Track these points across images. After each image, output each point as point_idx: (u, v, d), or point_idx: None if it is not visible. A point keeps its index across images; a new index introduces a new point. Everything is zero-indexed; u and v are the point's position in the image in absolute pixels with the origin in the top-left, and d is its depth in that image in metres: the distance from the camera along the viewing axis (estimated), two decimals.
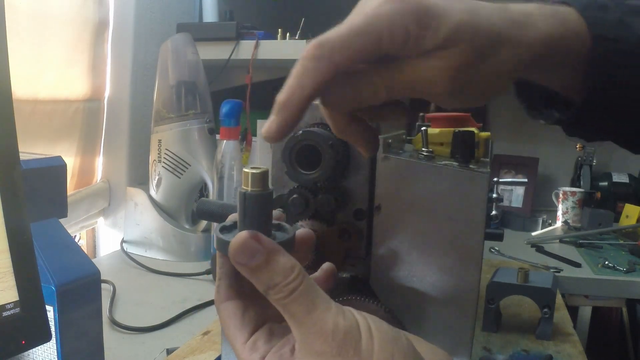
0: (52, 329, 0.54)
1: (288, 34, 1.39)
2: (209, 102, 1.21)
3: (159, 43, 1.21)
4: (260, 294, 0.29)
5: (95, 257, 1.33)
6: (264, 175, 0.30)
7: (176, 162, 1.18)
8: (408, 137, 0.57)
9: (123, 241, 1.24)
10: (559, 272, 1.21)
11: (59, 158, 0.68)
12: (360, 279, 0.50)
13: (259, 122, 1.32)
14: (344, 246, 0.50)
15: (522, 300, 0.86)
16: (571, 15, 0.35)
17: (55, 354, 0.55)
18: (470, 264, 0.45)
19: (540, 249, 1.38)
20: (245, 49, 1.38)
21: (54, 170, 0.68)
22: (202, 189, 1.26)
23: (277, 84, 0.32)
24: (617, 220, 1.61)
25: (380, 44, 0.30)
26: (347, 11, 0.32)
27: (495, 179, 0.91)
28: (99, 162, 1.31)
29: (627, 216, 1.59)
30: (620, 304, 1.36)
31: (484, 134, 0.56)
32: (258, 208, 0.30)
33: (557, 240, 1.47)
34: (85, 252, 0.65)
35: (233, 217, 0.33)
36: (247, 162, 1.15)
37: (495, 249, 1.34)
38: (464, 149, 0.48)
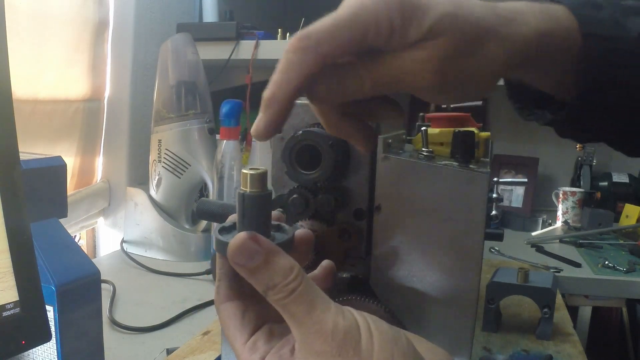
0: (52, 329, 0.54)
1: (288, 34, 1.39)
2: (209, 102, 1.21)
3: (159, 43, 1.21)
4: (260, 294, 0.29)
5: (95, 257, 1.33)
6: (262, 176, 0.30)
7: (176, 162, 1.17)
8: (408, 137, 0.57)
9: (123, 241, 1.24)
10: (559, 272, 1.20)
11: (59, 158, 0.68)
12: (360, 279, 0.50)
13: None
14: (344, 246, 0.50)
15: (522, 300, 0.86)
16: (562, 13, 0.35)
17: (55, 354, 0.55)
18: (470, 264, 0.45)
19: (540, 249, 1.38)
20: (245, 49, 1.38)
21: (54, 170, 0.68)
22: (202, 189, 1.26)
23: None
24: (617, 220, 1.61)
25: (366, 35, 0.30)
26: None
27: (495, 179, 0.92)
28: (99, 162, 1.31)
29: (627, 216, 1.59)
30: (620, 304, 1.36)
31: (484, 134, 0.56)
32: (257, 209, 0.30)
33: (557, 240, 1.47)
34: (85, 252, 0.65)
35: (233, 217, 0.33)
36: (247, 162, 1.15)
37: (495, 249, 1.34)
38: (464, 149, 0.48)
